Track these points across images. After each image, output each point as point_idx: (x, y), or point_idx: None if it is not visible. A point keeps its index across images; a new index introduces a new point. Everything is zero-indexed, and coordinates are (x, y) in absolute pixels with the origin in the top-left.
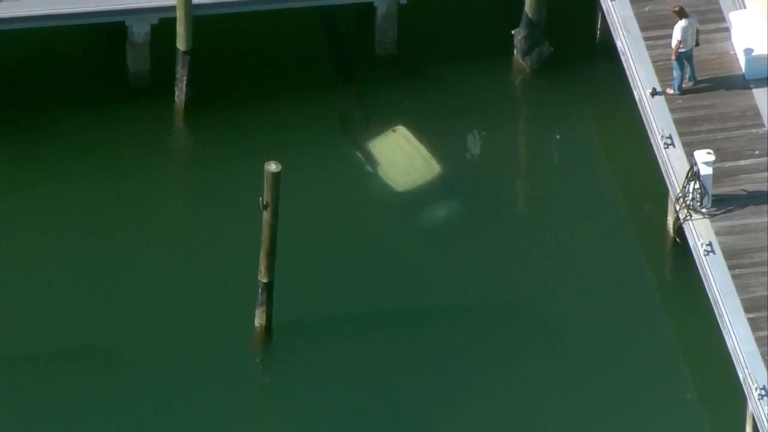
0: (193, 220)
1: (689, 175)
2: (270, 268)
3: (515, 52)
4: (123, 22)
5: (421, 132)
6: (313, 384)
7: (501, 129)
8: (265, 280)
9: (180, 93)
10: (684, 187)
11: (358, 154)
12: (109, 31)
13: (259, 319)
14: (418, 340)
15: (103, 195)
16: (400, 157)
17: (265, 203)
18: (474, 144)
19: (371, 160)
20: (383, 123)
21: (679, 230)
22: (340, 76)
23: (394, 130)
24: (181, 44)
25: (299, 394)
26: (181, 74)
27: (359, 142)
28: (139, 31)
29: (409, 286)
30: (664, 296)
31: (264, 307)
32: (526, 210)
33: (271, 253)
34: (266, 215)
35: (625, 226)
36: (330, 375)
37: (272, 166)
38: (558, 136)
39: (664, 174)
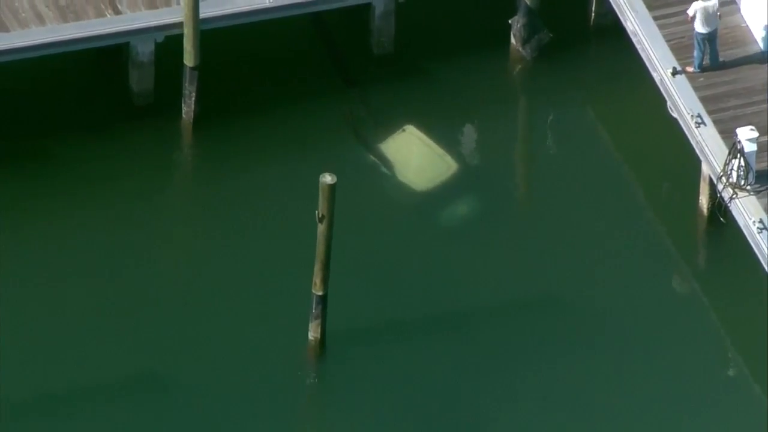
0: (223, 234)
1: (732, 152)
2: (325, 281)
3: (513, 41)
4: (126, 42)
5: (428, 129)
6: (369, 395)
7: (509, 120)
8: (320, 293)
9: (188, 109)
10: (726, 165)
11: (372, 157)
12: (102, 53)
13: (313, 332)
14: (467, 342)
15: (126, 219)
16: (415, 156)
17: (320, 215)
18: (484, 137)
19: (386, 162)
20: (390, 123)
21: (722, 209)
22: (342, 79)
23: (403, 130)
24: (188, 60)
25: (355, 407)
26: (189, 90)
27: (371, 144)
28: (144, 50)
29: (449, 287)
30: (706, 278)
31: (319, 320)
32: (547, 201)
33: (326, 265)
34: (322, 228)
35: (650, 210)
36: (386, 386)
37: (327, 178)
38: (566, 123)
39: (699, 154)
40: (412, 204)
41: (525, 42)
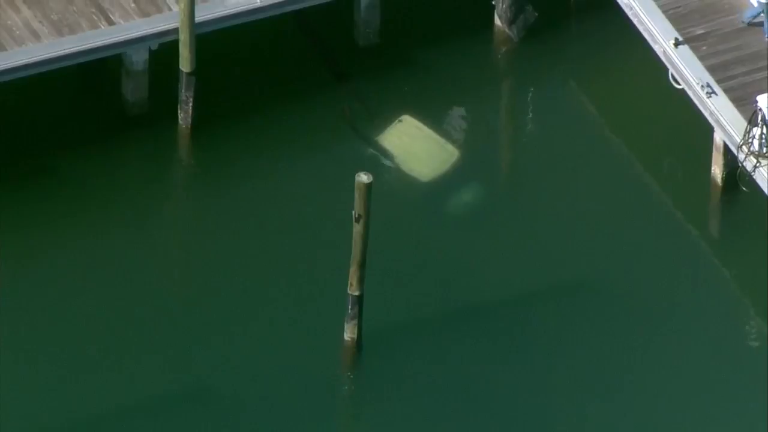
0: (239, 238)
1: (753, 120)
2: (361, 281)
3: (498, 22)
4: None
5: (423, 117)
6: (407, 395)
7: (503, 103)
8: (356, 293)
9: (186, 115)
10: (746, 133)
11: (372, 150)
12: (87, 64)
13: (350, 333)
14: (503, 336)
15: (136, 231)
16: (416, 147)
17: (357, 215)
18: (481, 122)
19: (387, 154)
20: (385, 115)
21: (744, 178)
22: (333, 75)
23: (400, 121)
24: (185, 66)
25: (393, 407)
26: (187, 96)
27: (370, 138)
28: (138, 59)
29: (477, 279)
30: (727, 248)
31: (355, 321)
32: (554, 182)
33: (363, 265)
34: (358, 227)
35: (659, 185)
36: (425, 385)
37: (363, 178)
38: (560, 102)
39: (714, 124)
40: (421, 196)
41: (511, 23)
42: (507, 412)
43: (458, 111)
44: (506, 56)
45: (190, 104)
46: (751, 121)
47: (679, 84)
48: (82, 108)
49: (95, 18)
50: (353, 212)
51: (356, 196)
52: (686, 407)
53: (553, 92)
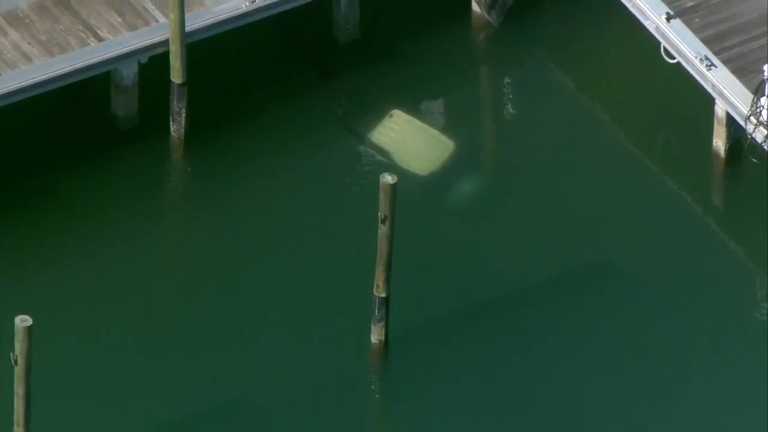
0: (246, 247)
1: (761, 90)
2: (387, 283)
3: (476, 8)
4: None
5: (412, 110)
6: (435, 397)
7: (489, 90)
8: (382, 295)
9: (179, 127)
10: (754, 104)
11: (367, 148)
12: (70, 85)
13: (377, 335)
14: (529, 332)
15: (140, 246)
16: (410, 141)
17: (383, 217)
18: (470, 111)
19: (383, 151)
20: (376, 110)
21: (756, 150)
22: (319, 74)
23: (390, 115)
24: (176, 77)
25: (423, 408)
26: (179, 107)
27: (363, 136)
28: (128, 73)
29: (496, 273)
30: (736, 221)
31: (383, 323)
32: (553, 167)
33: (389, 267)
34: (384, 229)
35: (658, 163)
36: (454, 385)
37: (388, 178)
38: (546, 86)
39: (718, 96)
40: (423, 190)
41: (490, 8)
42: (537, 412)
43: (445, 100)
44: (487, 41)
45: (183, 115)
46: (758, 91)
47: (673, 58)
48: (72, 126)
49: (83, 35)
50: (379, 213)
51: (381, 197)
52: (699, 383)
53: (538, 75)
